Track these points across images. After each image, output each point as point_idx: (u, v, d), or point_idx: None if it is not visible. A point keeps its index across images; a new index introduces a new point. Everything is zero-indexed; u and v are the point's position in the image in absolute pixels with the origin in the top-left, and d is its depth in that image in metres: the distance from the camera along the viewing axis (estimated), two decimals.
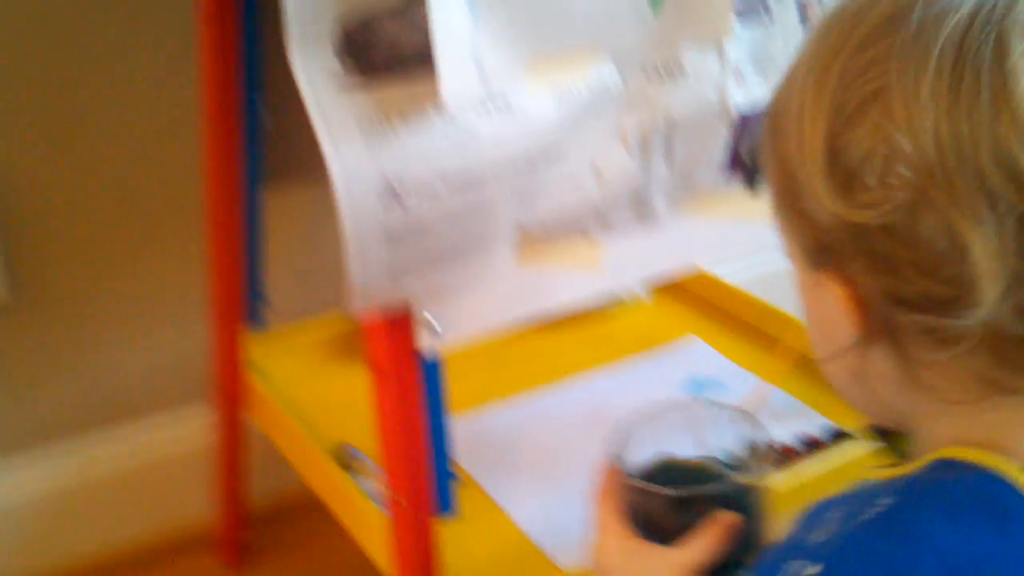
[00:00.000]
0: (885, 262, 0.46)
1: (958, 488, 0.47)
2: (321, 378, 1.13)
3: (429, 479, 0.77)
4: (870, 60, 0.46)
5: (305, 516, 1.28)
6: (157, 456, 1.24)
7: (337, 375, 1.13)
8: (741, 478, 0.65)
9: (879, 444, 0.95)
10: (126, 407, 1.22)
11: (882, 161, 0.44)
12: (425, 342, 0.73)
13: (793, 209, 0.50)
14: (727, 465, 0.68)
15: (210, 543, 1.25)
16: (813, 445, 1.02)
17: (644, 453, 0.67)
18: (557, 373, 1.16)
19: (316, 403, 1.08)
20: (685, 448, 0.68)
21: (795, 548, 0.49)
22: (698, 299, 1.30)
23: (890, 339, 0.48)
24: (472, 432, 1.07)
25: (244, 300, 1.04)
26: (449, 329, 0.74)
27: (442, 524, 0.83)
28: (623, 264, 0.81)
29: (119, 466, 1.22)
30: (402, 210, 0.62)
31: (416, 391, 0.74)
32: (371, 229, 0.63)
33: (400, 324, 0.72)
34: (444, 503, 0.80)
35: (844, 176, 0.46)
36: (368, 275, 0.65)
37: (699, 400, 0.70)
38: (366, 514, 0.90)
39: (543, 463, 1.02)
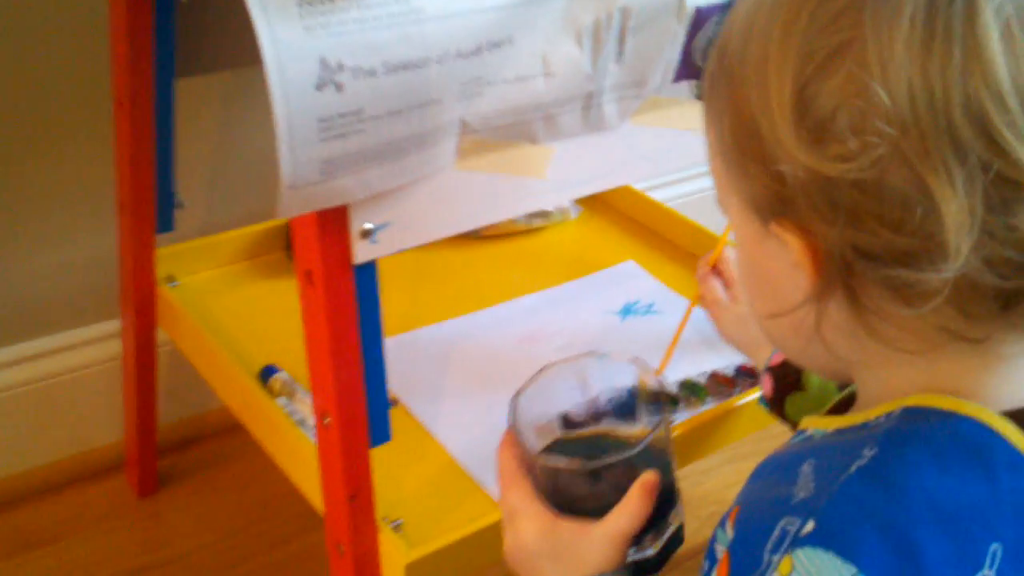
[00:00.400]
0: (851, 215, 0.45)
1: (940, 435, 0.47)
2: (243, 293, 1.07)
3: (362, 400, 0.72)
4: (841, 9, 0.45)
5: (223, 442, 1.24)
6: (65, 377, 1.16)
7: (261, 290, 1.07)
8: (642, 434, 0.64)
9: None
10: (32, 324, 1.13)
11: (858, 113, 0.44)
12: (360, 249, 0.68)
13: (745, 158, 0.49)
14: (621, 414, 0.68)
15: (121, 469, 1.18)
16: (749, 375, 1.00)
17: (538, 415, 0.67)
18: (489, 296, 1.12)
19: (237, 320, 1.02)
20: (578, 404, 0.68)
21: (779, 506, 0.48)
22: (632, 222, 1.27)
23: (846, 292, 0.48)
24: (399, 354, 1.02)
25: (155, 202, 0.96)
26: (386, 236, 0.69)
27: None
28: (570, 173, 0.77)
29: (24, 387, 1.14)
30: (336, 91, 0.56)
31: (349, 302, 0.69)
32: (304, 116, 0.56)
33: (332, 228, 0.67)
34: (380, 431, 0.75)
35: (815, 127, 0.45)
36: (299, 170, 0.59)
37: (589, 354, 0.68)
38: (292, 440, 0.85)
39: (474, 387, 0.98)
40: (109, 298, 1.12)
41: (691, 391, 0.98)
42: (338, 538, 0.76)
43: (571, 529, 0.61)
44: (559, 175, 0.76)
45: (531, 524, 0.62)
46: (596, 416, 0.71)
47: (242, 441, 1.21)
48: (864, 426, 0.50)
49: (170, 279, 1.05)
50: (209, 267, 1.09)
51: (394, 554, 0.75)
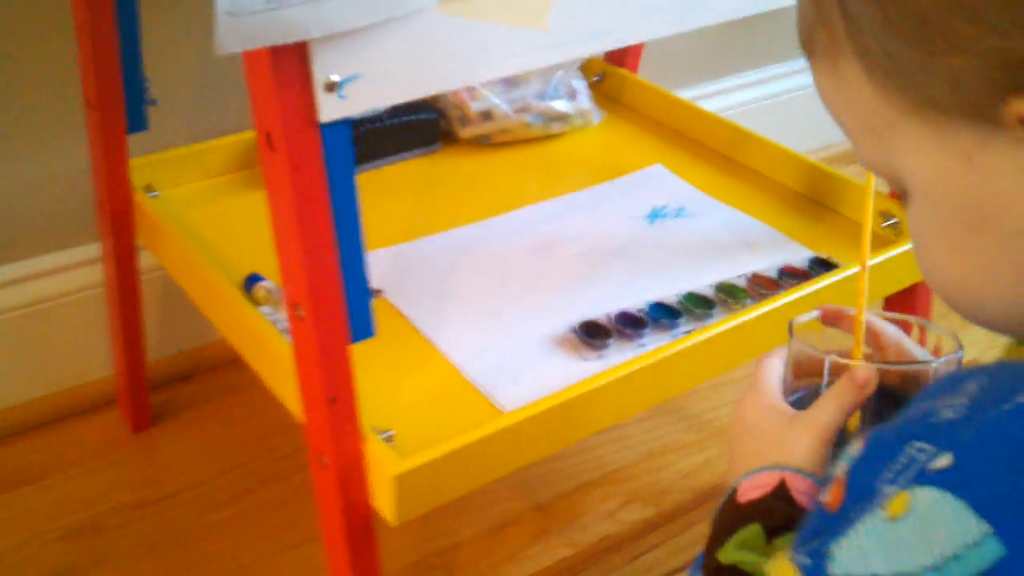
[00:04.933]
0: None
1: None
2: (229, 204, 0.98)
3: (338, 287, 0.63)
4: None
5: (221, 376, 1.16)
6: (48, 305, 1.08)
7: (249, 202, 0.98)
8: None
9: None
10: (9, 247, 1.06)
11: None
12: (325, 105, 0.58)
13: (931, 54, 0.37)
14: None
15: (113, 404, 1.11)
16: (793, 275, 0.91)
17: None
18: (502, 204, 1.02)
19: (221, 231, 0.94)
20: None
21: (916, 424, 0.38)
22: (660, 125, 1.17)
23: None
24: (402, 262, 0.93)
25: (124, 97, 0.87)
26: (356, 90, 0.59)
27: (364, 357, 0.70)
28: (577, 24, 0.66)
29: (5, 319, 1.06)
30: None
31: (316, 168, 0.59)
32: None
33: (292, 80, 0.57)
34: (361, 324, 0.65)
35: None
36: None
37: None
38: (275, 349, 0.76)
39: (484, 295, 0.89)
40: (92, 219, 1.04)
41: (729, 294, 0.88)
42: (320, 447, 0.67)
43: (781, 413, 0.55)
44: (563, 25, 0.65)
45: (755, 399, 0.56)
46: None
47: (240, 376, 1.14)
48: None
49: (149, 189, 0.96)
50: (194, 179, 1.00)
51: (383, 464, 0.66)
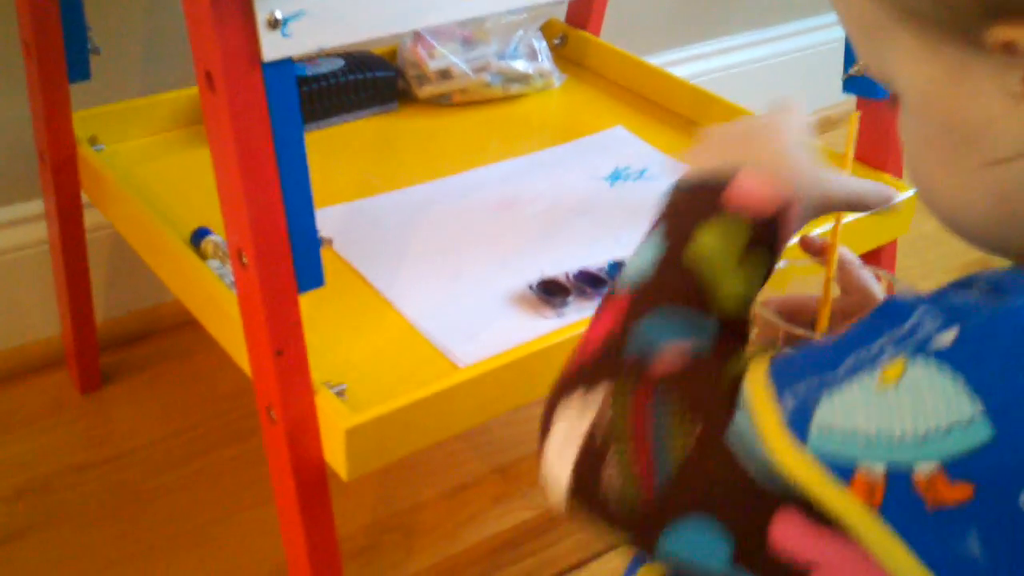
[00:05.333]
0: None
1: None
2: (177, 160, 0.95)
3: (283, 233, 0.61)
4: None
5: (175, 337, 1.14)
6: None
7: (198, 158, 0.96)
8: None
9: None
10: None
11: None
12: (268, 43, 0.56)
13: None
14: None
15: (61, 364, 1.08)
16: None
17: None
18: (461, 163, 1.00)
19: (168, 186, 0.91)
20: None
21: (935, 294, 0.37)
22: (622, 89, 1.15)
23: None
24: (356, 219, 0.91)
25: (63, 41, 0.84)
26: (300, 28, 0.57)
27: (315, 312, 0.68)
28: None
29: None
30: None
31: (259, 109, 0.57)
32: None
33: (232, 16, 0.55)
34: (309, 273, 0.63)
35: None
36: None
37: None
38: (222, 303, 0.74)
39: (441, 253, 0.87)
40: (36, 174, 1.01)
41: None
42: (268, 400, 0.66)
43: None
44: None
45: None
46: None
47: (193, 339, 1.12)
48: None
49: (94, 141, 0.93)
50: (140, 134, 0.97)
51: (333, 418, 0.65)
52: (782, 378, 0.39)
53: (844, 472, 0.36)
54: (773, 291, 0.59)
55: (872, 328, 0.38)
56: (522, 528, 0.96)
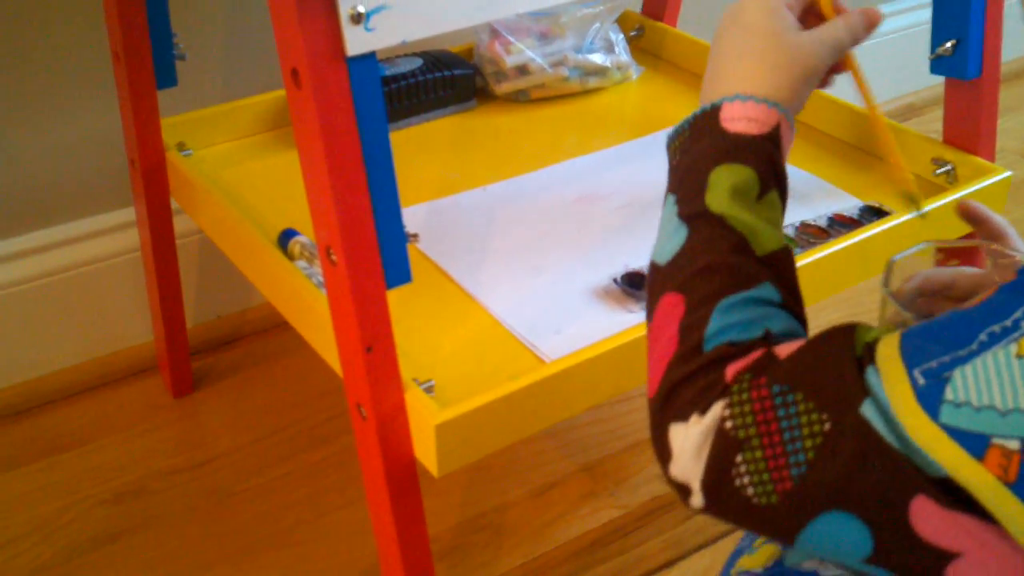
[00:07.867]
0: None
1: None
2: (264, 163, 0.97)
3: (371, 230, 0.61)
4: None
5: (263, 341, 1.16)
6: (86, 269, 1.08)
7: (284, 160, 0.97)
8: None
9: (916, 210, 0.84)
10: (46, 212, 1.05)
11: None
12: (352, 38, 0.56)
13: None
14: None
15: (154, 370, 1.11)
16: (842, 224, 0.87)
17: None
18: (540, 159, 0.99)
19: (256, 188, 0.92)
20: None
21: None
22: (699, 79, 1.13)
23: None
24: (439, 218, 0.91)
25: (151, 49, 0.85)
26: (384, 21, 0.57)
27: (403, 309, 0.68)
28: None
29: (41, 281, 1.06)
30: None
31: (345, 104, 0.57)
32: None
33: (316, 12, 0.55)
34: (397, 269, 0.63)
35: None
36: None
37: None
38: (311, 303, 0.74)
39: (522, 249, 0.86)
40: (127, 183, 1.03)
41: None
42: (358, 397, 0.66)
43: (789, 21, 0.56)
44: None
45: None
46: None
47: (282, 341, 1.13)
48: None
49: (182, 147, 0.95)
50: (226, 138, 0.99)
51: (423, 414, 0.64)
52: (913, 353, 0.37)
53: (977, 447, 0.34)
54: (910, 271, 0.58)
55: (1007, 302, 0.36)
56: (610, 527, 0.95)
